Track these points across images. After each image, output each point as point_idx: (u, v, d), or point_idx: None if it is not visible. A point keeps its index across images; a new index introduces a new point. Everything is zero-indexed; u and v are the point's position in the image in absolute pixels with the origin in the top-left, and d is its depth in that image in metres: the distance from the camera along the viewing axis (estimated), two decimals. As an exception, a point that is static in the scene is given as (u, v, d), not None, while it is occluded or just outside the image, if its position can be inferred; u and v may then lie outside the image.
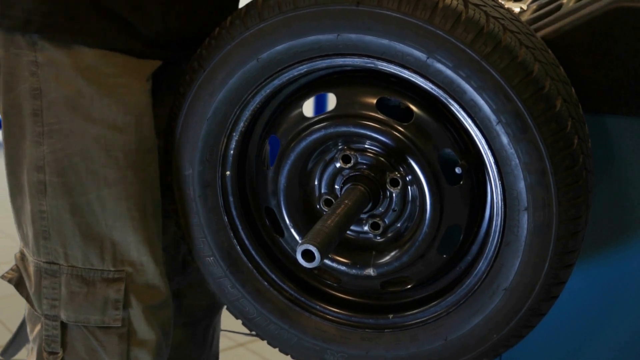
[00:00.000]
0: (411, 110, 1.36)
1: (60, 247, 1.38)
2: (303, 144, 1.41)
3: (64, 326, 1.41)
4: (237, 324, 1.56)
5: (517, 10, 1.62)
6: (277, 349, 1.53)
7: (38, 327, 1.43)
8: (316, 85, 1.43)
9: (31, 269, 1.42)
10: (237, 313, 1.56)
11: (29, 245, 1.41)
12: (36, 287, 1.41)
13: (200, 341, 1.72)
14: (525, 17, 1.55)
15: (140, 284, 1.41)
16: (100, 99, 1.32)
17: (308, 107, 1.46)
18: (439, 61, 1.25)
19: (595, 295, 1.55)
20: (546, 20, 1.47)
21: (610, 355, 1.57)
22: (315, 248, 1.26)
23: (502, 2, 1.37)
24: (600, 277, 1.53)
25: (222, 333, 1.73)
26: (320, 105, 2.66)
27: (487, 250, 1.38)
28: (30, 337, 1.46)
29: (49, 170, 1.35)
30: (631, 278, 1.52)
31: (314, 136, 1.40)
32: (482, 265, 1.39)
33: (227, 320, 1.59)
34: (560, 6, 1.55)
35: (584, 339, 1.58)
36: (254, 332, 1.53)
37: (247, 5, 1.37)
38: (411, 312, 1.47)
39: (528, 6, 1.67)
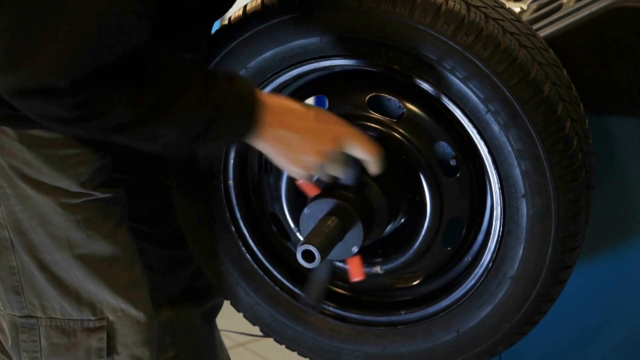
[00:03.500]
0: (403, 106, 1.37)
1: (35, 300, 1.37)
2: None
3: None
4: (236, 324, 1.57)
5: (517, 10, 1.62)
6: (277, 350, 1.54)
7: None
8: (308, 89, 1.44)
9: (4, 323, 1.41)
10: (253, 320, 1.57)
11: None
12: (13, 341, 1.39)
13: (209, 346, 1.72)
14: (525, 17, 1.55)
15: (123, 329, 1.39)
16: (49, 172, 1.31)
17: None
18: None
19: (596, 294, 1.55)
20: (546, 20, 1.47)
21: (610, 355, 1.58)
22: (315, 248, 1.26)
23: (503, 2, 1.37)
24: (601, 277, 1.54)
25: (222, 333, 1.74)
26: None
27: (490, 240, 1.38)
28: None
29: (11, 229, 1.34)
30: (632, 278, 1.52)
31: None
32: (487, 255, 1.39)
33: (227, 320, 1.59)
34: (560, 6, 1.55)
35: (584, 338, 1.58)
36: (253, 333, 1.54)
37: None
38: (422, 307, 1.47)
39: (528, 6, 1.67)
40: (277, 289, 1.54)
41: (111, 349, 1.40)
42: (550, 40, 1.41)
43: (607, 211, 1.49)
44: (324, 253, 1.29)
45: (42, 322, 1.38)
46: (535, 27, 1.47)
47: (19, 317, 1.39)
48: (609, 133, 1.47)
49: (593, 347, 1.58)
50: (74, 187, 1.33)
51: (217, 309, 1.70)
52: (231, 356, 1.70)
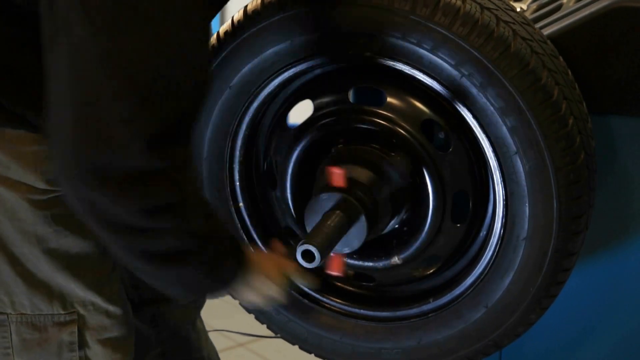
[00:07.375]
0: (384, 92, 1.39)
1: (5, 296, 1.38)
2: (294, 156, 1.45)
3: None
4: (237, 324, 1.56)
5: (517, 10, 1.64)
6: (277, 350, 1.53)
7: None
8: (294, 96, 1.47)
9: None
10: (291, 338, 1.58)
11: None
12: None
13: (194, 340, 1.72)
14: None
15: (93, 322, 1.41)
16: (17, 168, 1.33)
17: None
18: None
19: (596, 294, 1.54)
20: (547, 20, 1.49)
21: (610, 354, 1.56)
22: (314, 248, 1.27)
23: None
24: (601, 276, 1.53)
25: (222, 333, 1.72)
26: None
27: (497, 208, 1.38)
28: None
29: None
30: (633, 277, 1.51)
31: (301, 145, 1.44)
32: (498, 223, 1.39)
33: (227, 320, 1.58)
34: (560, 6, 1.57)
35: (583, 337, 1.57)
36: (253, 333, 1.53)
37: None
38: (448, 291, 1.47)
39: (528, 6, 1.69)
40: (306, 301, 1.55)
41: (82, 342, 1.41)
42: (550, 40, 1.42)
43: (607, 211, 1.48)
44: (324, 252, 1.30)
45: (12, 318, 1.39)
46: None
47: None
48: (610, 133, 1.47)
49: (593, 346, 1.57)
50: (41, 184, 1.34)
51: (200, 302, 1.70)
52: (231, 356, 1.67)
